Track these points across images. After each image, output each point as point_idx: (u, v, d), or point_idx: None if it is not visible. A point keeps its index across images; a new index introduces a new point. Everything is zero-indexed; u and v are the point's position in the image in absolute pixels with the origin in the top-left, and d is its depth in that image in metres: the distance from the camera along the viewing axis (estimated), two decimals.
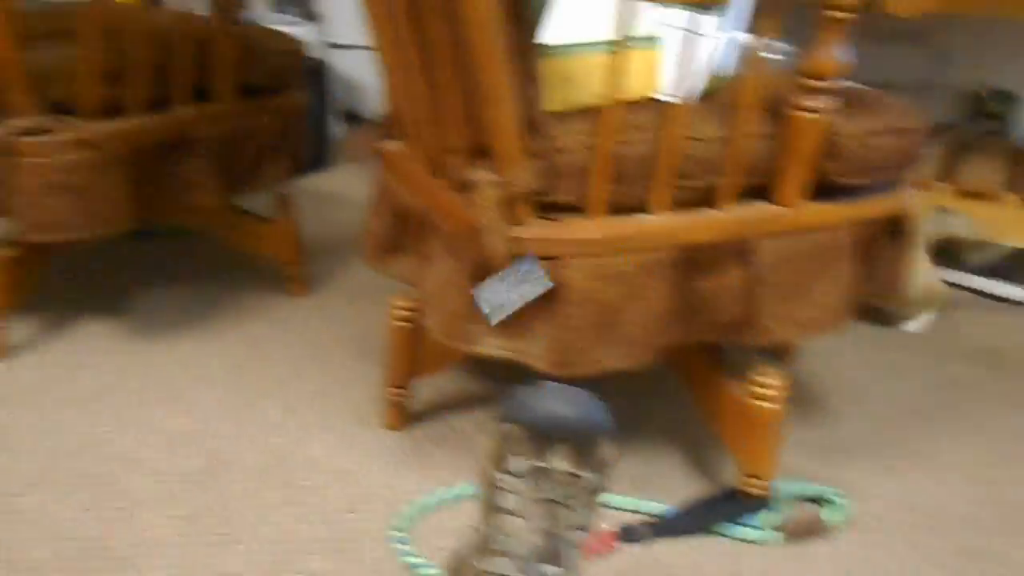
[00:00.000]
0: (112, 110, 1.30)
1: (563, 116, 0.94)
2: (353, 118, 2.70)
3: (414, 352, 1.20)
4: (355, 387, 1.34)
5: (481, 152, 0.96)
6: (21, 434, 1.17)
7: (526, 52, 0.87)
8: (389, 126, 1.27)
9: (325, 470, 1.14)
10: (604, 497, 0.87)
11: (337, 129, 2.49)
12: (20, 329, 1.43)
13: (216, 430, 1.21)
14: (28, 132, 1.23)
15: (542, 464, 0.69)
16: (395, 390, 1.22)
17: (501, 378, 1.39)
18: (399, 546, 1.00)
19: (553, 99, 0.93)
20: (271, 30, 1.56)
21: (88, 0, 1.22)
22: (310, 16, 2.60)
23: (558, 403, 0.71)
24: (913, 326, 1.52)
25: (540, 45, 0.92)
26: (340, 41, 2.59)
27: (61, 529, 1.00)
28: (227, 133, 1.44)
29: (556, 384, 0.73)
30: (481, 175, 0.92)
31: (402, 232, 1.19)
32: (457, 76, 0.92)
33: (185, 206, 1.45)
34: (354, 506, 1.08)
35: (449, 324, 1.02)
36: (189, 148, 1.40)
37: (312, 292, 1.64)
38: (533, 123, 0.91)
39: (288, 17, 2.54)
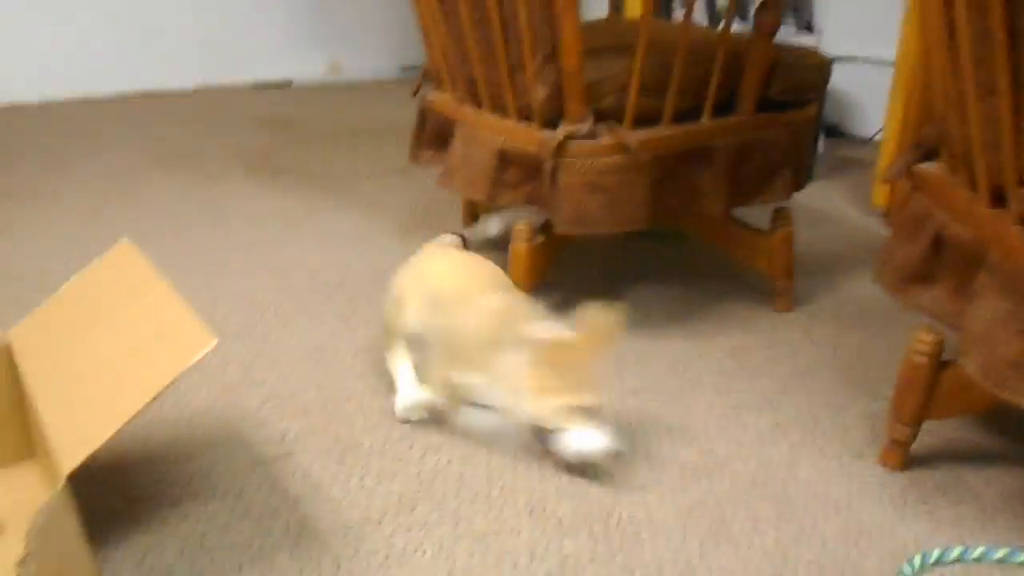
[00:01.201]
0: (647, 119, 1.41)
1: None
2: (836, 133, 2.60)
3: (930, 391, 1.12)
4: (846, 415, 1.29)
5: None
6: None
7: None
8: (927, 148, 1.19)
9: (818, 495, 1.12)
10: None
11: (822, 144, 2.42)
12: None
13: (707, 431, 1.26)
14: (577, 136, 1.39)
15: None
16: (901, 427, 1.15)
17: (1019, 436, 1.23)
18: None
19: None
20: (800, 46, 1.56)
21: (643, 18, 1.34)
22: (808, 27, 2.56)
23: None
24: None
25: None
26: (836, 53, 2.51)
27: (581, 491, 1.12)
28: (742, 145, 1.48)
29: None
30: None
31: (935, 262, 1.11)
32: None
33: (692, 212, 1.52)
34: (852, 540, 1.04)
35: (997, 370, 0.92)
36: (706, 158, 1.47)
37: (796, 309, 1.62)
38: None
39: (785, 29, 2.53)
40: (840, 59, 2.49)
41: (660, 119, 1.43)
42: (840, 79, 2.50)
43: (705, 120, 1.45)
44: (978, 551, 1.00)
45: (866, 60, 2.41)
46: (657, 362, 1.45)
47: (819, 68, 1.51)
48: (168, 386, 0.86)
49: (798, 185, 1.57)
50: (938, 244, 1.09)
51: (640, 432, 1.25)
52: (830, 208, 2.14)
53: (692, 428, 1.26)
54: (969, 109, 0.99)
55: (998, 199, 0.99)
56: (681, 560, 1.00)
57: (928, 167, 1.16)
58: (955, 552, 1.00)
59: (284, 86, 3.56)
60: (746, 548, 1.02)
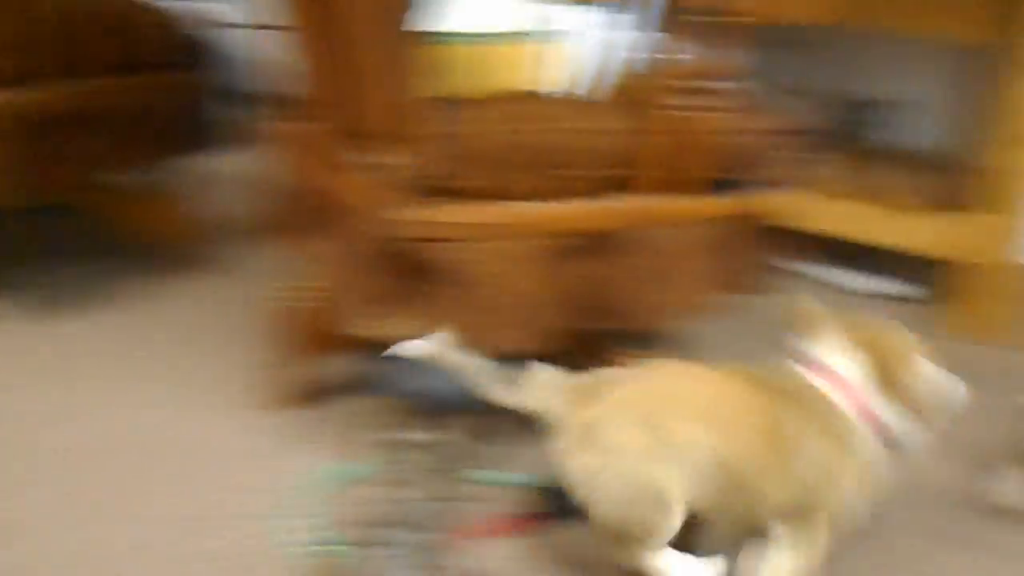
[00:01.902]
0: (15, 81, 1.25)
1: (452, 103, 0.98)
2: (245, 98, 2.65)
3: (300, 333, 1.21)
4: (246, 369, 1.34)
5: (370, 134, 0.98)
6: None
7: (407, 37, 0.90)
8: (294, 107, 1.27)
9: (212, 449, 1.14)
10: (473, 472, 0.91)
11: (230, 109, 2.44)
12: None
13: (99, 406, 1.20)
14: None
15: (410, 436, 0.73)
16: (278, 371, 1.22)
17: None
18: (280, 523, 1.01)
19: (440, 85, 0.97)
20: (149, 6, 1.52)
21: None
22: None
23: (419, 377, 0.74)
24: None
25: (424, 32, 0.96)
26: (234, 20, 2.53)
27: None
28: (130, 108, 1.41)
29: (418, 360, 0.76)
30: (359, 157, 0.95)
31: (295, 213, 1.20)
32: (336, 57, 0.94)
33: (84, 182, 1.41)
34: (243, 484, 1.08)
35: (328, 306, 1.04)
36: (92, 122, 1.36)
37: (199, 273, 1.63)
38: (417, 108, 0.94)
39: None
40: (238, 26, 2.53)
41: (32, 80, 1.27)
42: (244, 45, 2.54)
43: (87, 82, 1.35)
44: (344, 469, 1.09)
45: (264, 26, 2.48)
46: (49, 345, 1.33)
47: (168, 28, 1.50)
48: None
49: (187, 149, 1.57)
50: (296, 196, 1.18)
51: (19, 423, 1.15)
52: (238, 173, 2.18)
53: (82, 406, 1.19)
54: (308, 68, 1.07)
55: (351, 150, 1.09)
56: (63, 552, 0.95)
57: (291, 125, 1.23)
58: (321, 474, 1.09)
59: None
60: (144, 522, 1.01)
